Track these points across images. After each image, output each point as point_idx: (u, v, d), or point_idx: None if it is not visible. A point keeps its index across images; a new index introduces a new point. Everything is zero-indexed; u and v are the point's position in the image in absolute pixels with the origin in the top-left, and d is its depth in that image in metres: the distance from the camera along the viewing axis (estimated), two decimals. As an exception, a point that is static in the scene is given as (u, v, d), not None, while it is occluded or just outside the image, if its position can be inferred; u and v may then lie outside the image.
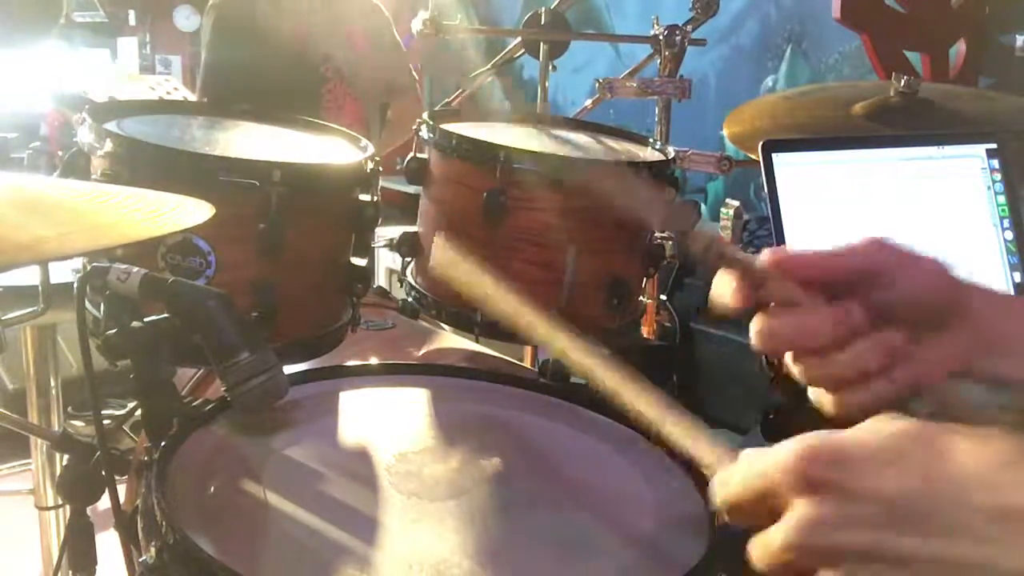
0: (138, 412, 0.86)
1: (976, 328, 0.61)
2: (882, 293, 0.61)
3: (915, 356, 0.61)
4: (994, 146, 1.26)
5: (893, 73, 1.52)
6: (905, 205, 1.21)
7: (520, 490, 0.84)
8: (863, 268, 0.62)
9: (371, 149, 1.16)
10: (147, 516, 0.73)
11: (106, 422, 0.89)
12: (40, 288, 1.24)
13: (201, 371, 1.20)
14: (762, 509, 0.49)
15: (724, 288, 0.64)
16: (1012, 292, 1.22)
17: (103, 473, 0.86)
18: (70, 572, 0.93)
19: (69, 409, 1.83)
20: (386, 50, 2.49)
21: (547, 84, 2.16)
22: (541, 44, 2.11)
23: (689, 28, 1.96)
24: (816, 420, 0.72)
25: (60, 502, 1.68)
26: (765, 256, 0.62)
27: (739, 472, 0.51)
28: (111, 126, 1.06)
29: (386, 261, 3.42)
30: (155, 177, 0.95)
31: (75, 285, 0.84)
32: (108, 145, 1.00)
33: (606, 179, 1.00)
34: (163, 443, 0.81)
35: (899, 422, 0.48)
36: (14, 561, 2.22)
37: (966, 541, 0.44)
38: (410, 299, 1.27)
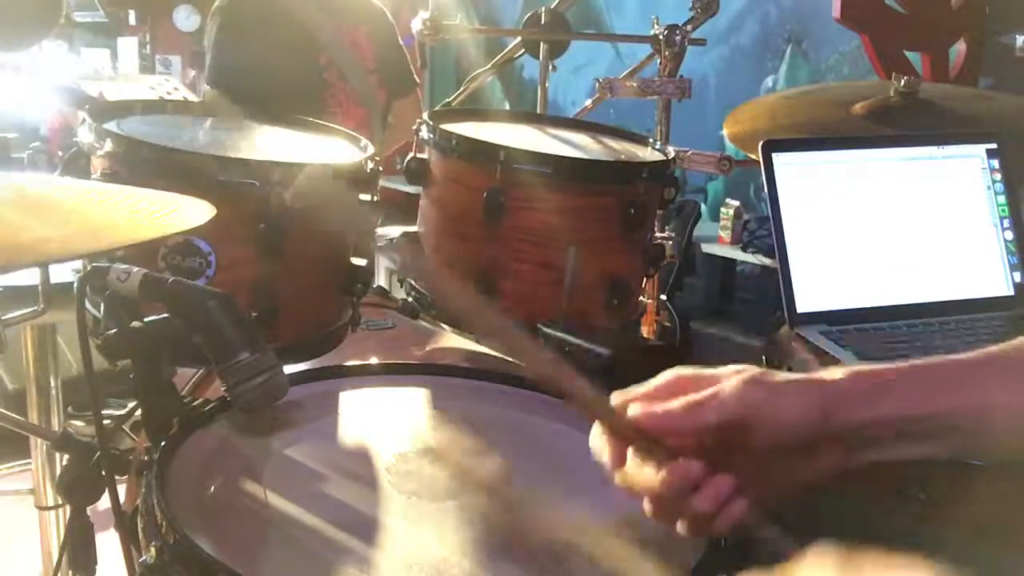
0: (138, 412, 0.86)
1: (852, 436, 0.65)
2: (744, 436, 0.65)
3: (758, 485, 0.66)
4: (994, 146, 1.26)
5: (893, 73, 1.52)
6: (905, 205, 1.21)
7: (520, 490, 0.84)
8: (723, 422, 0.65)
9: (371, 149, 1.16)
10: (147, 516, 0.73)
11: (106, 422, 0.89)
12: (40, 288, 1.24)
13: (201, 371, 1.20)
14: None
15: (599, 447, 0.70)
16: (1011, 292, 1.22)
17: (103, 473, 0.86)
18: (70, 572, 0.93)
19: (69, 409, 1.82)
20: (389, 53, 2.49)
21: (547, 84, 2.16)
22: (541, 44, 2.11)
23: (689, 28, 1.95)
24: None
25: (60, 502, 1.68)
26: (631, 414, 0.67)
27: None
28: (111, 126, 1.06)
29: (386, 261, 3.41)
30: (155, 177, 0.95)
31: (75, 285, 0.84)
32: (108, 145, 1.00)
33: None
34: (163, 443, 0.81)
35: (827, 566, 0.52)
36: (14, 561, 2.22)
37: None
38: (410, 299, 1.27)
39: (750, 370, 0.67)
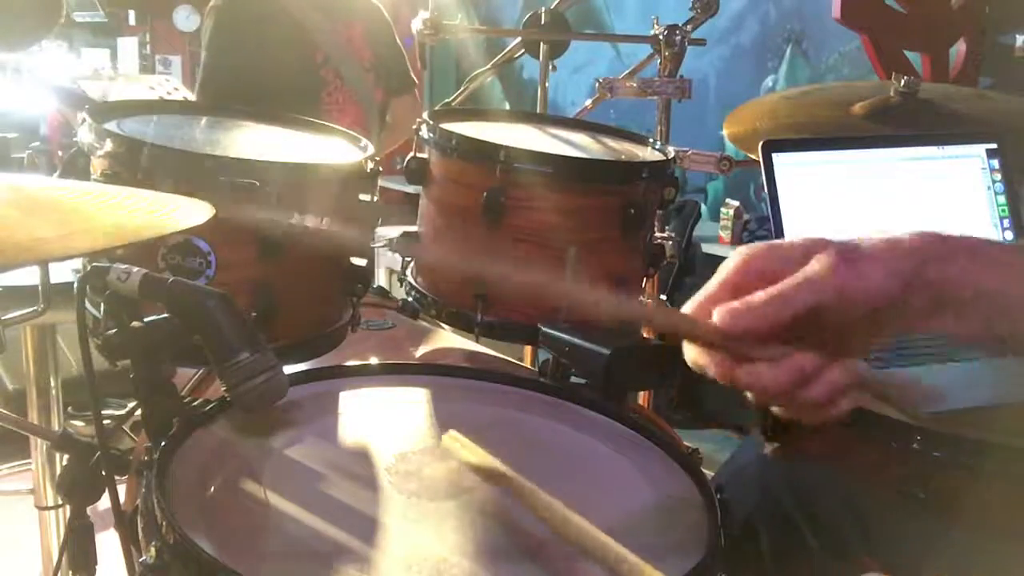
0: (138, 412, 0.86)
1: (932, 297, 0.64)
2: (838, 313, 0.63)
3: (837, 351, 0.65)
4: (994, 146, 1.26)
5: (893, 73, 1.52)
6: (905, 205, 1.21)
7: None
8: (820, 300, 0.63)
9: (371, 149, 1.16)
10: (147, 516, 0.73)
11: (106, 422, 0.89)
12: (40, 288, 1.24)
13: (201, 371, 1.20)
14: None
15: (701, 363, 0.67)
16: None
17: (103, 473, 0.86)
18: (70, 572, 0.93)
19: (69, 409, 1.83)
20: (386, 51, 2.49)
21: (547, 84, 2.16)
22: (541, 44, 2.11)
23: (689, 28, 1.96)
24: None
25: (60, 502, 1.68)
26: (718, 320, 0.64)
27: None
28: (111, 126, 1.06)
29: (386, 261, 3.42)
30: (155, 177, 0.95)
31: (75, 285, 0.84)
32: (108, 145, 1.00)
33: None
34: (163, 443, 0.81)
35: None
36: (14, 561, 2.22)
37: None
38: (410, 299, 1.27)
39: (830, 245, 0.65)
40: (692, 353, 0.67)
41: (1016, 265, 0.66)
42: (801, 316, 0.63)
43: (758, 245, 0.67)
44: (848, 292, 0.63)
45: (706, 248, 4.23)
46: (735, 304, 0.63)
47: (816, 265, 0.63)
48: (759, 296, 0.63)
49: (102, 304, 0.85)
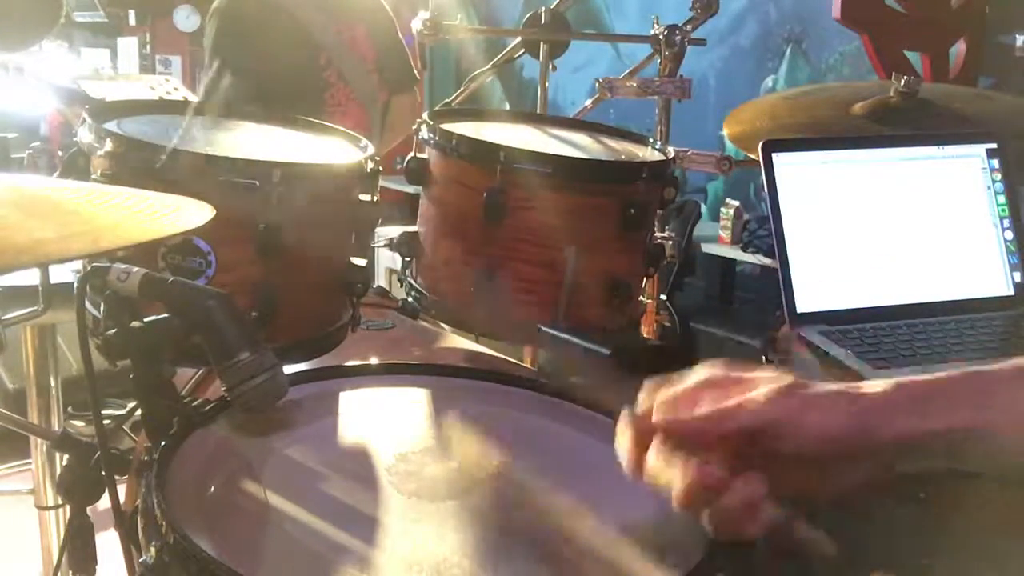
0: (138, 412, 0.86)
1: (888, 450, 0.64)
2: (775, 444, 0.64)
3: (792, 488, 0.65)
4: (994, 146, 1.26)
5: (893, 73, 1.52)
6: (905, 205, 1.21)
7: (520, 490, 0.83)
8: (747, 430, 0.64)
9: (371, 149, 1.16)
10: (147, 516, 0.73)
11: (106, 422, 0.89)
12: (40, 288, 1.24)
13: (201, 371, 1.20)
14: None
15: (623, 449, 0.70)
16: (1011, 292, 1.22)
17: (103, 473, 0.86)
18: (70, 572, 0.93)
19: (69, 409, 1.83)
20: (390, 50, 2.49)
21: (547, 84, 2.16)
22: (541, 44, 2.11)
23: (689, 28, 1.96)
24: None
25: (60, 502, 1.68)
26: (657, 416, 0.67)
27: None
28: (111, 126, 1.06)
29: (386, 261, 3.42)
30: (155, 177, 0.95)
31: (75, 285, 0.84)
32: (108, 145, 1.00)
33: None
34: (163, 443, 0.81)
35: None
36: (14, 561, 2.22)
37: None
38: (410, 299, 1.27)
39: (783, 379, 0.65)
40: (622, 436, 0.70)
41: (1002, 396, 0.65)
42: (744, 439, 0.64)
43: (723, 365, 0.69)
44: (788, 428, 0.63)
45: (706, 248, 4.23)
46: (679, 411, 0.66)
47: (760, 392, 0.65)
48: (700, 410, 0.66)
49: (102, 304, 0.85)
